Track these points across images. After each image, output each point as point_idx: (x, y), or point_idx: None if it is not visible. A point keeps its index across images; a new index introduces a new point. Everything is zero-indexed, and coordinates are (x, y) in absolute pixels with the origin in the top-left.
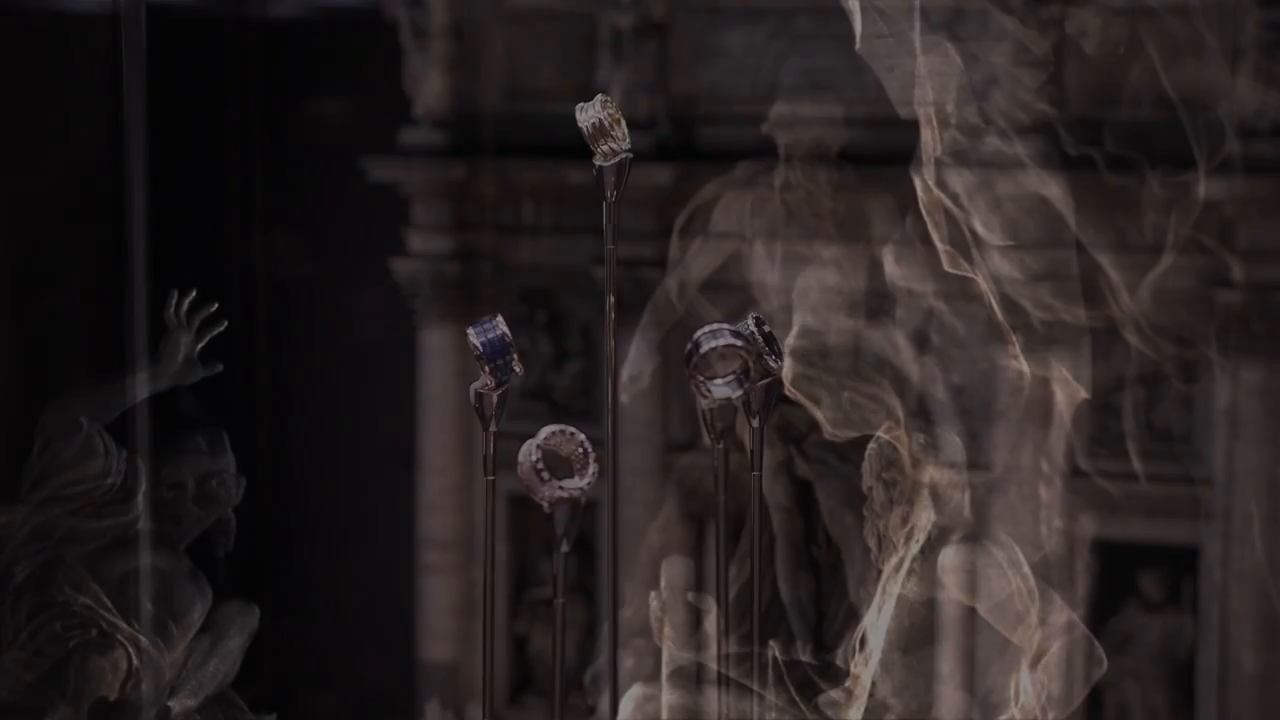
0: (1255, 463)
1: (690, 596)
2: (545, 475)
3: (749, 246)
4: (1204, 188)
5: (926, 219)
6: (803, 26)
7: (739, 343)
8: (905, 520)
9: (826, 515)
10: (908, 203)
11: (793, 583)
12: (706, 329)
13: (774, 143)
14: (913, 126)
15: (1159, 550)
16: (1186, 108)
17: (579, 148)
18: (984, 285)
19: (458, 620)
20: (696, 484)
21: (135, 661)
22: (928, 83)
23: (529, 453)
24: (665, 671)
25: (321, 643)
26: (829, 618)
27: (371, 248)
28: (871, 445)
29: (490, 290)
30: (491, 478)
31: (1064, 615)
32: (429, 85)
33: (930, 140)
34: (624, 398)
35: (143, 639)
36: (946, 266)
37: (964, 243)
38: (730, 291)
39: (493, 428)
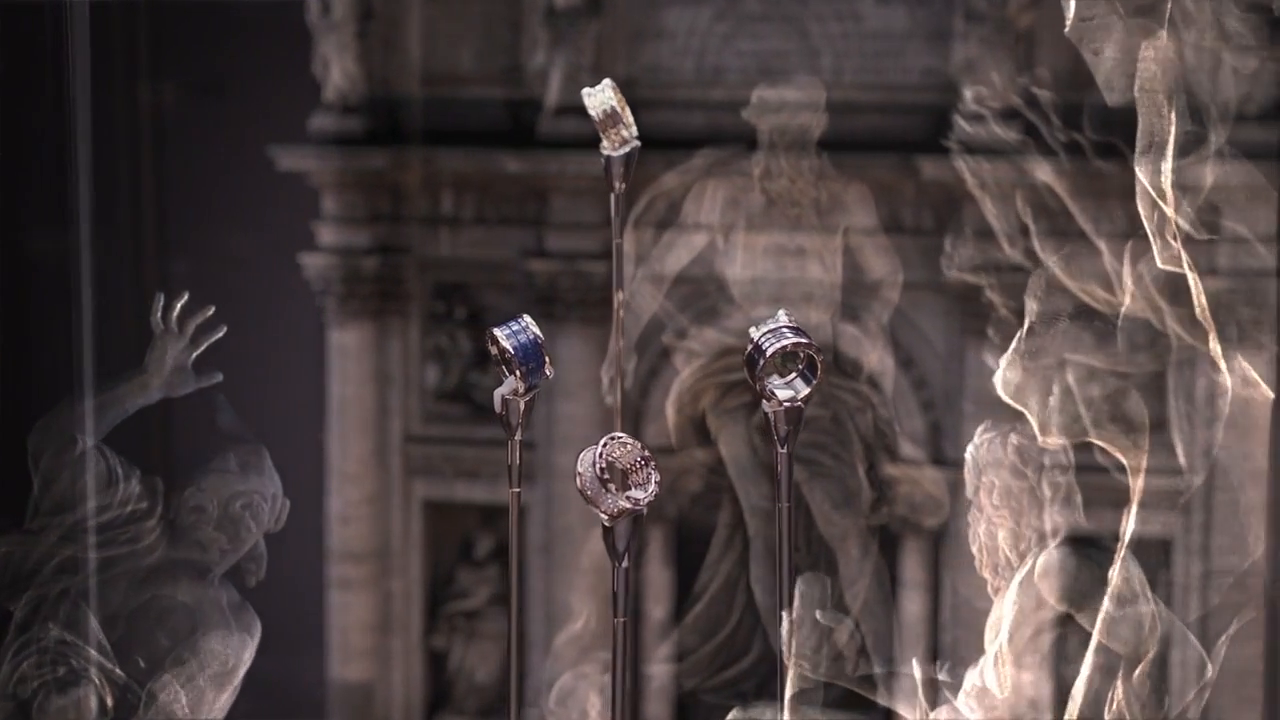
0: (1238, 453)
1: (820, 615)
2: (611, 486)
3: (723, 238)
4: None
5: (1141, 211)
6: (751, 8)
7: (804, 339)
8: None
9: (820, 518)
10: (877, 191)
11: (770, 589)
12: (765, 330)
13: (718, 129)
14: (880, 111)
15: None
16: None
17: (504, 134)
18: (1192, 283)
19: (371, 637)
20: None
21: (108, 701)
22: (1150, 69)
23: (591, 462)
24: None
25: None
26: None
27: (279, 241)
28: (971, 449)
29: (405, 286)
30: (517, 490)
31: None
32: (339, 68)
33: (1150, 130)
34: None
35: (119, 675)
36: (1160, 264)
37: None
38: (691, 284)
39: (519, 436)
